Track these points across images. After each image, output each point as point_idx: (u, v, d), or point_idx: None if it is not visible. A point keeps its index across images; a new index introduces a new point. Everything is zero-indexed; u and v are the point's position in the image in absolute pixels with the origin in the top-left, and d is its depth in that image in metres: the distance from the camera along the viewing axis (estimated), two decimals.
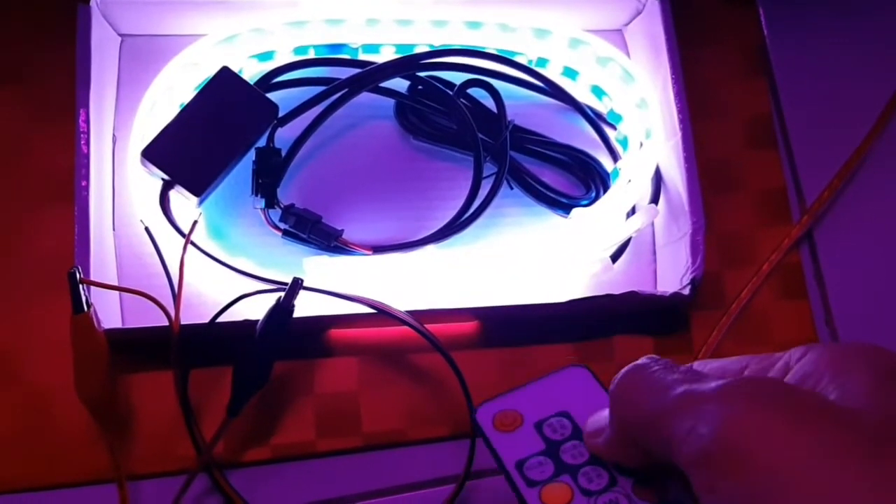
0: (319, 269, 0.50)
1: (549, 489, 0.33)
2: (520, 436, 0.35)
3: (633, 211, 0.55)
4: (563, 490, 0.32)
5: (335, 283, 0.49)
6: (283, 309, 0.46)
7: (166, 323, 0.46)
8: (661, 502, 0.31)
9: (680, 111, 0.54)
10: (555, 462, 0.34)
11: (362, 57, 0.55)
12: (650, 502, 0.31)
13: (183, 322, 0.47)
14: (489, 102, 0.55)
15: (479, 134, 0.54)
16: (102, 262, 0.49)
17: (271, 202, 0.51)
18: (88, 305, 0.45)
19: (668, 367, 0.30)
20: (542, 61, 0.57)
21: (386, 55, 0.56)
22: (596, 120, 0.57)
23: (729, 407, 0.26)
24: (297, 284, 0.46)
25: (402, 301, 0.49)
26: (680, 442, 0.27)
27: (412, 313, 0.49)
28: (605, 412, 0.33)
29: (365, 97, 0.55)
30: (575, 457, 0.34)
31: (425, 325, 0.49)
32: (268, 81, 0.53)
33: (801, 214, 0.59)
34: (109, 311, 0.49)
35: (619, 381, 0.31)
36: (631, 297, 0.51)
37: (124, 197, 0.52)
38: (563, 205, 0.55)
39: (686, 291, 0.51)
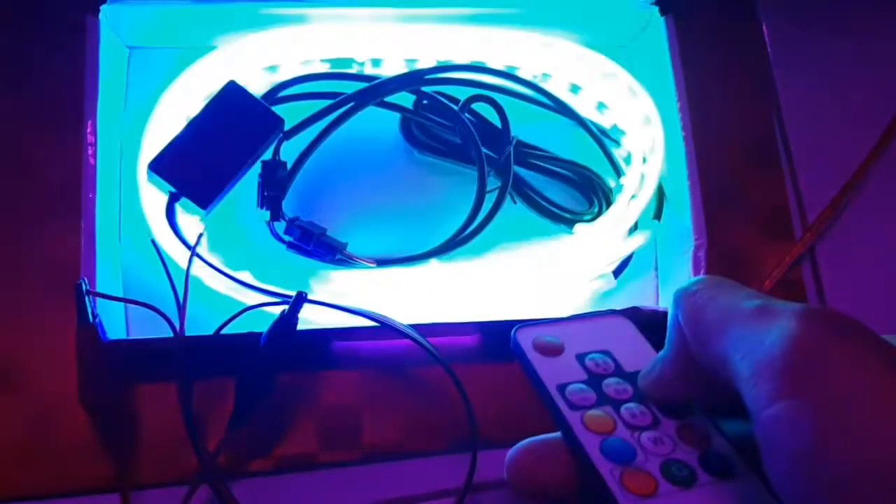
0: (322, 282, 0.51)
1: (592, 416, 0.31)
2: (561, 362, 0.33)
3: (636, 227, 0.55)
4: (606, 419, 0.31)
5: (339, 297, 0.49)
6: (286, 322, 0.46)
7: (171, 334, 0.47)
8: (705, 450, 0.30)
9: (683, 128, 0.54)
10: (597, 393, 0.32)
11: (368, 71, 0.56)
12: (694, 446, 0.30)
13: (187, 334, 0.47)
14: (494, 117, 0.56)
15: (483, 148, 0.55)
16: (109, 273, 0.49)
17: (276, 214, 0.52)
18: (94, 317, 0.46)
19: (736, 284, 0.29)
20: (546, 76, 0.58)
21: (392, 70, 0.56)
22: (599, 136, 0.57)
23: (808, 322, 0.25)
24: (301, 298, 0.46)
25: (405, 314, 0.50)
26: (751, 349, 0.25)
27: (415, 327, 0.49)
28: (656, 354, 0.32)
29: (370, 111, 0.55)
30: (618, 392, 0.32)
31: (427, 339, 0.49)
32: (274, 95, 0.54)
33: (802, 231, 0.59)
34: (115, 322, 0.49)
35: (687, 287, 0.29)
36: (633, 312, 0.51)
37: (131, 208, 0.52)
38: (566, 220, 0.56)
39: None
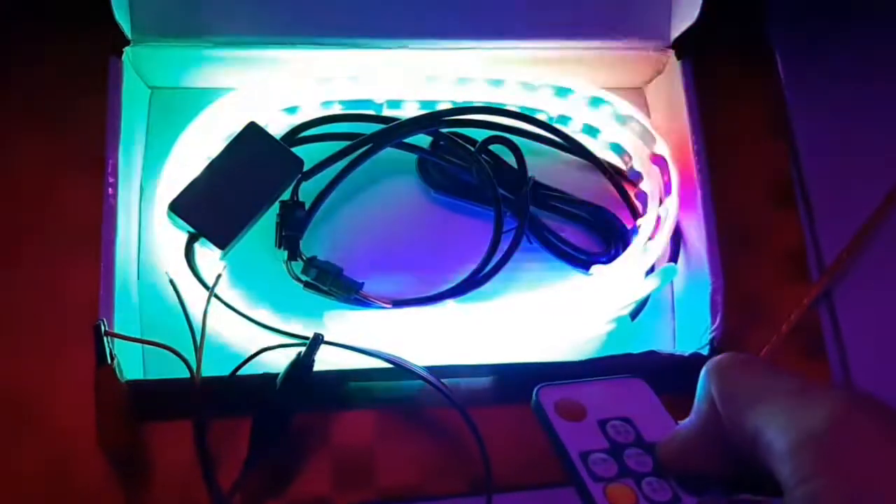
0: (339, 322, 0.51)
1: (615, 488, 0.31)
2: (583, 427, 0.33)
3: (652, 268, 0.55)
4: (628, 493, 0.31)
5: (354, 337, 0.49)
6: (303, 364, 0.46)
7: (188, 374, 0.47)
8: None
9: (700, 170, 0.55)
10: (619, 464, 0.32)
11: (386, 113, 0.56)
12: None
13: (204, 373, 0.47)
14: (510, 158, 0.56)
15: (499, 189, 0.55)
16: (127, 312, 0.50)
17: (294, 254, 0.52)
18: (112, 357, 0.46)
19: (768, 362, 0.30)
20: (563, 119, 0.58)
21: (409, 111, 0.57)
22: (616, 177, 0.58)
23: (851, 406, 0.25)
24: (317, 341, 0.46)
25: (421, 355, 0.50)
26: (789, 427, 0.26)
27: (430, 368, 0.49)
28: (679, 424, 0.32)
29: (388, 152, 0.55)
30: (639, 464, 0.32)
31: (443, 381, 0.49)
32: (294, 136, 0.54)
33: (819, 274, 0.59)
34: (132, 361, 0.49)
35: (719, 361, 0.30)
36: (650, 356, 0.51)
37: (150, 247, 0.53)
38: (582, 261, 0.56)
39: (705, 351, 0.52)
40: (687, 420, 0.31)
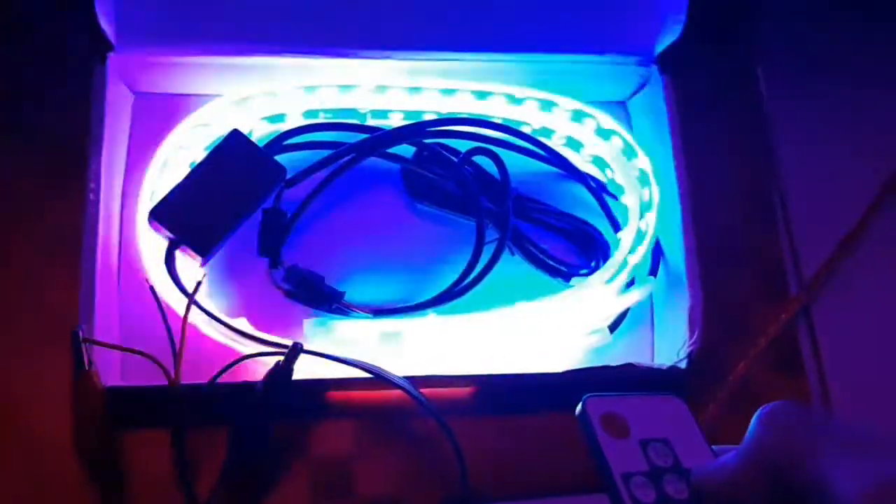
0: (319, 331, 0.51)
1: None
2: (627, 446, 0.34)
3: (632, 282, 0.55)
4: None
5: (334, 346, 0.49)
6: (281, 373, 0.46)
7: (167, 381, 0.47)
8: None
9: (680, 184, 0.55)
10: (657, 490, 0.32)
11: (371, 122, 0.57)
12: None
13: (183, 381, 0.47)
14: (494, 170, 0.56)
15: (482, 200, 0.55)
16: (106, 318, 0.50)
17: (275, 262, 0.52)
18: (90, 364, 0.46)
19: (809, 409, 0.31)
20: (547, 132, 0.58)
21: (394, 121, 0.57)
22: (598, 190, 0.58)
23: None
24: (296, 350, 0.46)
25: (401, 365, 0.50)
26: (856, 474, 0.27)
27: (410, 378, 0.49)
28: (707, 446, 0.33)
29: (371, 162, 0.56)
30: (677, 491, 0.32)
31: (422, 391, 0.49)
32: (278, 144, 0.54)
33: (798, 289, 0.59)
34: (111, 368, 0.49)
35: (774, 409, 0.31)
36: (628, 369, 0.51)
37: (131, 254, 0.53)
38: (563, 273, 0.56)
39: (683, 365, 0.52)
40: (731, 457, 0.31)
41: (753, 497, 0.30)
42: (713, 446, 0.34)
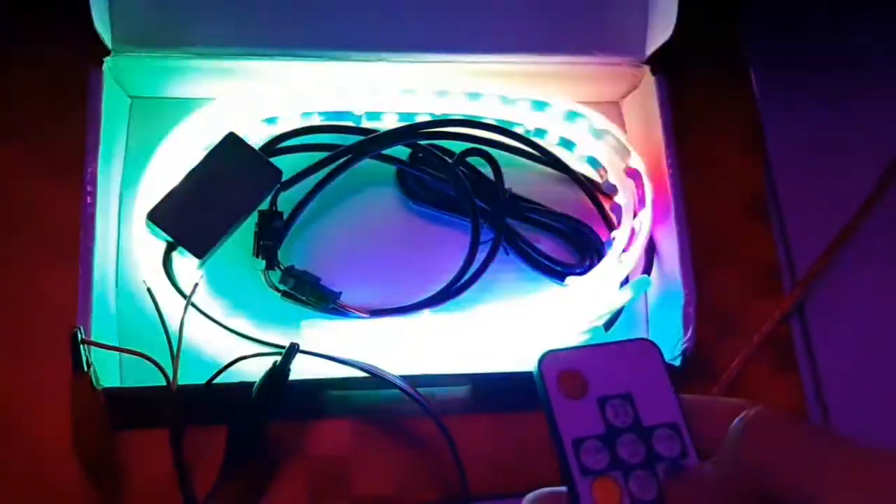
0: (316, 332, 0.51)
1: (601, 483, 0.30)
2: (582, 407, 0.32)
3: (626, 280, 0.56)
4: (614, 489, 0.30)
5: (331, 346, 0.50)
6: (278, 373, 0.47)
7: (164, 382, 0.47)
8: None
9: (673, 183, 0.55)
10: (610, 453, 0.31)
11: (365, 124, 0.57)
12: None
13: (181, 382, 0.47)
14: (488, 171, 0.57)
15: (477, 201, 0.55)
16: (104, 320, 0.50)
17: (272, 264, 0.53)
18: (89, 365, 0.46)
19: (797, 419, 0.29)
20: (540, 132, 0.59)
21: (388, 123, 0.57)
22: (591, 190, 0.58)
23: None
24: (293, 350, 0.47)
25: (398, 364, 0.50)
26: (852, 485, 0.26)
27: (406, 377, 0.50)
28: (675, 399, 0.32)
29: (366, 163, 0.56)
30: (631, 454, 0.31)
31: (418, 390, 0.49)
32: (273, 146, 0.55)
33: (792, 286, 0.60)
34: (109, 369, 0.50)
35: (755, 415, 0.28)
36: None
37: (128, 256, 0.53)
38: (557, 273, 0.56)
39: (677, 362, 0.52)
40: (706, 467, 0.30)
41: (724, 498, 0.29)
42: (680, 395, 0.32)
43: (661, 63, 0.58)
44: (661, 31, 0.56)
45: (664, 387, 0.33)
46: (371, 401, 0.52)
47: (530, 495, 0.32)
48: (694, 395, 0.32)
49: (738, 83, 0.65)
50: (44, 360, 0.50)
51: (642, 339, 0.34)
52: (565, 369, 0.33)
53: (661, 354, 0.34)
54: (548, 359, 0.33)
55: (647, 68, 0.58)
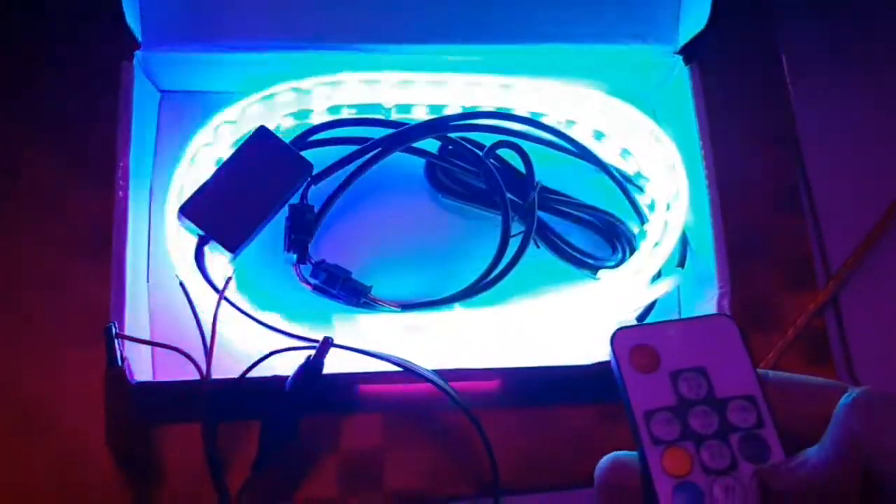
0: (347, 325, 0.51)
1: (672, 453, 0.31)
2: (653, 381, 0.32)
3: (659, 274, 0.55)
4: (685, 458, 0.30)
5: (362, 340, 0.50)
6: (312, 367, 0.47)
7: (197, 375, 0.47)
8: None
9: (707, 175, 0.55)
10: (682, 424, 0.31)
11: (395, 117, 0.57)
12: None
13: (213, 376, 0.47)
14: (518, 163, 0.56)
15: (507, 194, 0.55)
16: (136, 314, 0.50)
17: (303, 258, 0.52)
18: (122, 360, 0.46)
19: None
20: (571, 123, 0.58)
21: (418, 115, 0.57)
22: (623, 182, 0.58)
23: None
24: (326, 344, 0.47)
25: (428, 358, 0.50)
26: None
27: (438, 371, 0.49)
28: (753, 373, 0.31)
29: (396, 156, 0.56)
30: (703, 425, 0.31)
31: (450, 384, 0.49)
32: (304, 140, 0.55)
33: (826, 279, 0.59)
34: (141, 363, 0.50)
35: (860, 395, 0.28)
36: None
37: (159, 249, 0.53)
38: (589, 265, 0.56)
39: None
40: (814, 453, 0.28)
41: (839, 494, 0.27)
42: (759, 370, 0.33)
43: (694, 53, 0.57)
44: (694, 20, 0.56)
45: (742, 361, 0.33)
46: (403, 395, 0.52)
47: (604, 458, 0.32)
48: (777, 372, 0.32)
49: (771, 73, 0.64)
50: (77, 355, 0.51)
51: (720, 314, 0.34)
52: (637, 344, 0.33)
53: (740, 328, 0.33)
54: (620, 334, 0.33)
55: (680, 58, 0.58)
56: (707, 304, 0.53)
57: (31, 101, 0.57)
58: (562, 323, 0.53)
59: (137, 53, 0.53)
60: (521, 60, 0.57)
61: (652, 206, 0.57)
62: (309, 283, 0.53)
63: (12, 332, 0.51)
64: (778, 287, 0.58)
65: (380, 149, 0.55)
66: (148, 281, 0.53)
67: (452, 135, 0.56)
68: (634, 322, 0.34)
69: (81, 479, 0.49)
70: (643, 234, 0.56)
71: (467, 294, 0.54)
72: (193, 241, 0.50)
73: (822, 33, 0.66)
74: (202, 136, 0.53)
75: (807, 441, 0.28)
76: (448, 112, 0.57)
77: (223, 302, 0.49)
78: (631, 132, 0.58)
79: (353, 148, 0.55)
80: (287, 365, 0.48)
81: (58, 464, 0.49)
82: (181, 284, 0.49)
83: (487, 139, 0.56)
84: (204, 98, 0.57)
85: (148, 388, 0.48)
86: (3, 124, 0.56)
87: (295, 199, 0.53)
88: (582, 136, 0.58)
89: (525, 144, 0.57)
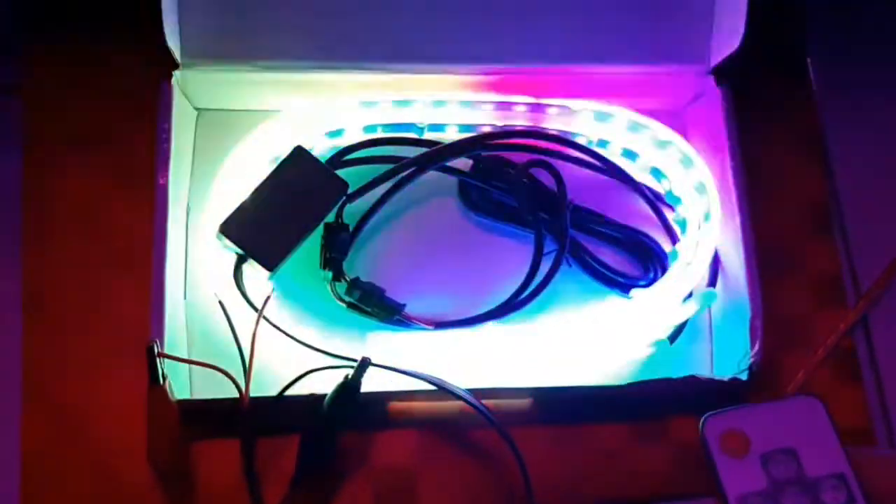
0: (381, 344, 0.52)
1: None
2: (745, 465, 0.34)
3: (690, 293, 0.55)
4: None
5: (396, 358, 0.50)
6: (350, 386, 0.47)
7: (234, 392, 0.48)
8: None
9: (738, 195, 0.55)
10: None
11: (428, 136, 0.57)
12: None
13: (252, 394, 0.48)
14: (550, 182, 0.57)
15: (539, 212, 0.55)
16: (174, 331, 0.51)
17: (338, 276, 0.53)
18: (164, 377, 0.47)
19: None
20: (603, 143, 0.58)
21: (451, 135, 0.57)
22: (655, 201, 0.58)
23: None
24: (364, 364, 0.47)
25: (461, 376, 0.50)
26: None
27: (471, 390, 0.50)
28: (841, 450, 0.32)
29: (429, 175, 0.56)
30: None
31: (483, 402, 0.49)
32: (339, 159, 0.55)
33: (856, 299, 0.59)
34: (179, 381, 0.50)
35: None
36: (690, 381, 0.52)
37: (197, 267, 0.54)
38: (620, 284, 0.56)
39: (744, 376, 0.52)
40: None
41: None
42: (847, 447, 0.33)
43: (725, 73, 0.58)
44: (726, 41, 0.56)
45: (830, 439, 0.34)
46: (437, 412, 0.52)
47: None
48: (864, 448, 0.33)
49: (802, 93, 0.64)
50: (116, 371, 0.51)
51: (806, 394, 0.36)
52: (727, 429, 0.35)
53: (826, 408, 0.35)
54: (710, 421, 0.35)
55: (712, 78, 0.58)
56: (738, 323, 0.53)
57: (69, 118, 0.57)
58: (594, 341, 0.54)
59: (176, 73, 0.54)
60: (553, 81, 0.57)
61: (683, 226, 0.57)
62: (344, 301, 0.53)
63: (52, 346, 0.52)
64: (808, 306, 0.58)
65: (414, 168, 0.55)
66: (185, 298, 0.53)
67: (485, 154, 0.57)
68: (721, 409, 0.35)
69: (120, 493, 0.49)
70: (675, 253, 0.56)
71: (500, 312, 0.54)
72: (232, 259, 0.51)
73: (853, 52, 0.66)
74: (238, 155, 0.54)
75: None
76: (480, 131, 0.57)
77: (261, 320, 0.49)
78: (662, 151, 0.58)
79: (387, 167, 0.55)
80: (325, 382, 0.49)
81: (96, 476, 0.50)
82: (220, 303, 0.50)
83: (519, 158, 0.57)
84: (239, 117, 0.57)
85: (189, 405, 0.48)
86: (45, 144, 0.56)
87: (330, 218, 0.53)
88: (613, 154, 0.59)
89: (557, 163, 0.57)
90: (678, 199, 0.58)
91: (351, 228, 0.54)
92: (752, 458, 0.34)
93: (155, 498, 0.49)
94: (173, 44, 0.53)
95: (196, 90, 0.56)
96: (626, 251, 0.58)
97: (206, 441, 0.50)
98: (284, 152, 0.53)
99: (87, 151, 0.56)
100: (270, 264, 0.50)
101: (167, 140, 0.52)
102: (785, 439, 0.34)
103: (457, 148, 0.56)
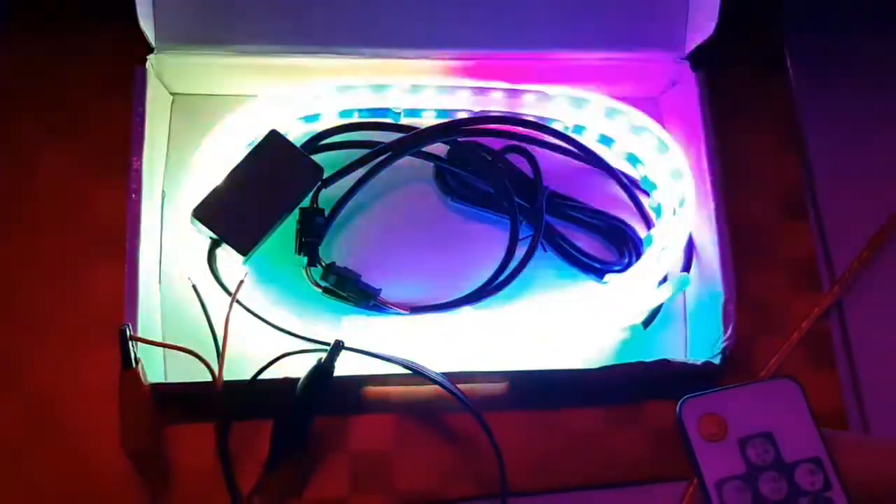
0: (357, 328, 0.52)
1: None
2: (723, 449, 0.34)
3: (665, 278, 0.56)
4: None
5: (372, 342, 0.50)
6: (323, 370, 0.47)
7: (209, 376, 0.48)
8: None
9: (713, 181, 0.55)
10: (753, 492, 0.33)
11: (404, 122, 0.57)
12: None
13: (225, 378, 0.48)
14: (526, 168, 0.57)
15: (515, 198, 0.56)
16: (149, 316, 0.51)
17: (313, 260, 0.53)
18: (136, 361, 0.47)
19: None
20: (579, 129, 0.59)
21: (427, 120, 0.57)
22: (630, 187, 0.58)
23: None
24: (338, 347, 0.47)
25: (437, 360, 0.51)
26: None
27: (446, 374, 0.50)
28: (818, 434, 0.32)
29: (405, 160, 0.56)
30: (774, 491, 0.33)
31: (458, 386, 0.50)
32: (314, 143, 0.55)
33: (830, 284, 0.59)
34: (153, 365, 0.50)
35: None
36: (663, 365, 0.52)
37: (171, 251, 0.54)
38: (596, 270, 0.57)
39: (717, 360, 0.52)
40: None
41: None
42: (823, 430, 0.33)
43: (701, 59, 0.58)
44: (701, 27, 0.56)
45: (806, 423, 0.34)
46: (412, 396, 0.52)
47: None
48: (838, 431, 0.33)
49: (777, 80, 0.64)
50: (89, 355, 0.51)
51: (783, 377, 0.36)
52: (705, 413, 0.35)
53: (804, 391, 0.35)
54: (687, 404, 0.35)
55: (687, 64, 0.58)
56: (712, 308, 0.54)
57: (43, 103, 0.57)
58: (569, 326, 0.54)
59: (150, 57, 0.54)
60: (529, 66, 0.58)
61: (658, 211, 0.58)
62: (319, 286, 0.53)
63: (26, 328, 0.52)
64: (782, 291, 0.59)
65: (390, 153, 0.55)
66: (159, 282, 0.53)
67: (461, 139, 0.57)
68: (699, 392, 0.36)
69: (94, 478, 0.49)
70: (650, 238, 0.56)
71: (476, 297, 0.55)
72: (206, 243, 0.50)
73: (829, 40, 0.66)
74: (213, 140, 0.54)
75: (879, 501, 0.29)
76: (457, 117, 0.57)
77: (235, 304, 0.49)
78: (638, 137, 0.58)
79: (363, 152, 0.55)
80: (298, 366, 0.49)
81: (68, 461, 0.49)
82: (194, 287, 0.50)
83: (496, 144, 0.57)
84: (215, 101, 0.57)
85: (162, 389, 0.48)
86: (21, 125, 0.56)
87: (305, 203, 0.53)
88: (589, 141, 0.59)
89: (533, 149, 0.57)
90: (654, 185, 0.58)
91: (326, 213, 0.54)
92: (730, 442, 0.34)
93: (129, 482, 0.49)
94: (147, 28, 0.53)
95: (171, 75, 0.56)
96: (602, 236, 0.58)
97: (181, 425, 0.50)
98: (260, 137, 0.53)
99: (61, 136, 0.56)
100: (244, 249, 0.50)
101: (141, 124, 0.52)
102: (762, 423, 0.34)
103: (433, 133, 0.56)
